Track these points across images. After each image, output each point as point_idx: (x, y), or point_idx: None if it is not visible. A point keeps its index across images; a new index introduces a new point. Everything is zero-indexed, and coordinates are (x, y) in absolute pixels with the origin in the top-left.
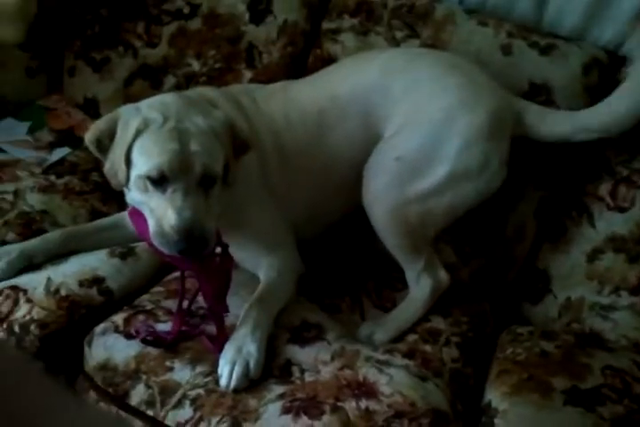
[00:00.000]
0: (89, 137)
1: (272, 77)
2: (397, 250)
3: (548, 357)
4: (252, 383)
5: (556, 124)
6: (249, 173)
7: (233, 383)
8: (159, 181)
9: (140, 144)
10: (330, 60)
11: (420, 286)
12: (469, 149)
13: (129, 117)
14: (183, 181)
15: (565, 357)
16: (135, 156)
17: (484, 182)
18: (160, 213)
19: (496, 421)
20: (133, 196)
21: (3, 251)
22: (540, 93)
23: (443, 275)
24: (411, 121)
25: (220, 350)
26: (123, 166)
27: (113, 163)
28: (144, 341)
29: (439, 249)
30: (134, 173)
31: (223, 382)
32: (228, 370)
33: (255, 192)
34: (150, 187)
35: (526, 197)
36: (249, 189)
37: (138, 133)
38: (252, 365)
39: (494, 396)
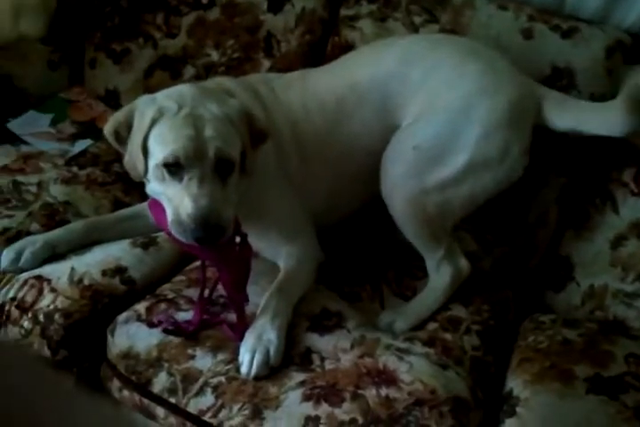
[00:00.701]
0: (107, 129)
1: (290, 66)
2: (416, 239)
3: (571, 345)
4: (272, 371)
5: (577, 114)
6: (266, 162)
7: (254, 371)
8: (175, 169)
9: (156, 133)
10: (348, 48)
11: (440, 275)
12: (489, 138)
13: (145, 108)
14: (198, 168)
15: (588, 345)
16: (151, 145)
17: (504, 171)
18: (177, 201)
19: (518, 409)
20: (152, 186)
21: (27, 241)
22: (561, 77)
23: (463, 263)
24: (429, 109)
25: (241, 338)
26: (140, 156)
27: (131, 154)
28: (166, 330)
29: (460, 238)
30: (152, 162)
31: (244, 369)
32: (248, 358)
33: (273, 181)
34: (167, 176)
35: (549, 183)
36: (267, 178)
37: (153, 122)
38: (272, 352)
39: (516, 384)
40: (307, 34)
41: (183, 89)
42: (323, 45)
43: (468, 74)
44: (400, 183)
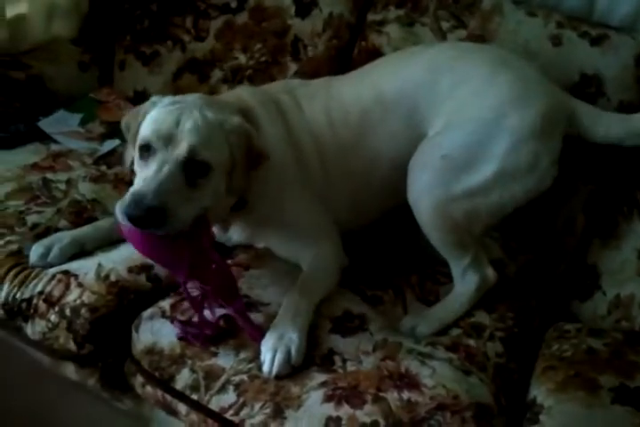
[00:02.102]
0: (122, 122)
1: (317, 70)
2: (443, 246)
3: (596, 354)
4: (294, 370)
5: (609, 126)
6: (284, 170)
7: (275, 370)
8: (146, 153)
9: (144, 121)
10: (375, 52)
11: (465, 282)
12: (519, 148)
13: (148, 102)
14: (164, 154)
15: (613, 354)
16: (140, 132)
17: (533, 182)
18: (136, 179)
19: (541, 417)
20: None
21: (55, 238)
22: (590, 85)
23: (490, 272)
24: (458, 118)
25: (261, 338)
26: (131, 148)
27: (129, 145)
28: (181, 338)
29: (485, 244)
30: (136, 147)
31: (265, 368)
32: (270, 357)
33: (292, 188)
34: (140, 161)
35: (576, 191)
36: (287, 185)
37: (145, 113)
38: (293, 351)
39: (539, 392)
40: (334, 38)
41: (189, 96)
42: (350, 50)
43: (498, 84)
44: (427, 191)
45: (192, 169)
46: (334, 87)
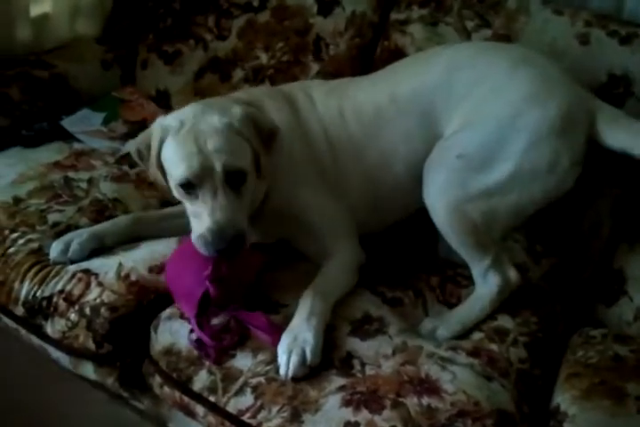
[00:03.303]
0: (131, 148)
1: (339, 70)
2: (461, 248)
3: (622, 361)
4: (311, 371)
5: (618, 134)
6: (298, 165)
7: (291, 372)
8: (189, 187)
9: (165, 153)
10: (398, 52)
11: (486, 284)
12: (537, 147)
13: (155, 128)
14: (209, 183)
15: None
16: (165, 164)
17: (553, 182)
18: (197, 217)
19: (565, 425)
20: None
21: (74, 233)
22: (618, 85)
23: (512, 273)
24: (475, 117)
25: (277, 341)
26: (160, 177)
27: (153, 174)
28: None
29: (509, 248)
30: (171, 182)
31: (282, 371)
32: (285, 359)
33: (309, 184)
34: (185, 194)
35: (603, 194)
36: (305, 183)
37: (161, 142)
38: (308, 352)
39: (563, 399)
40: (356, 37)
41: (188, 107)
42: (372, 49)
43: (517, 80)
44: (443, 192)
45: (234, 181)
46: (351, 87)
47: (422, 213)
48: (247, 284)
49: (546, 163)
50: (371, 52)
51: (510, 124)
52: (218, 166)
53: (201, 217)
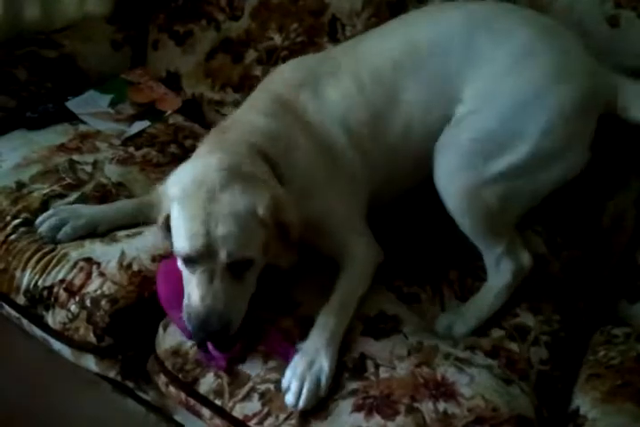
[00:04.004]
0: (158, 189)
1: None
2: (474, 234)
3: None
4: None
5: None
6: (317, 181)
7: (302, 403)
8: (189, 262)
9: (173, 217)
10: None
11: (500, 272)
12: (555, 128)
13: (171, 186)
14: (209, 265)
15: None
16: (171, 228)
17: (570, 162)
18: (190, 290)
19: None
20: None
21: (73, 214)
22: None
23: (526, 258)
24: (491, 93)
25: (288, 356)
26: (161, 235)
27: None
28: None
29: (527, 239)
30: (174, 247)
31: (290, 399)
32: (296, 386)
33: (325, 192)
34: (183, 264)
35: (628, 185)
36: (318, 192)
37: (172, 205)
38: (322, 382)
39: (583, 402)
40: (373, 17)
41: (208, 171)
42: None
43: (538, 56)
44: (456, 175)
45: (237, 268)
46: (361, 46)
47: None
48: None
49: (563, 144)
50: None
51: (528, 105)
52: (222, 254)
53: (192, 293)
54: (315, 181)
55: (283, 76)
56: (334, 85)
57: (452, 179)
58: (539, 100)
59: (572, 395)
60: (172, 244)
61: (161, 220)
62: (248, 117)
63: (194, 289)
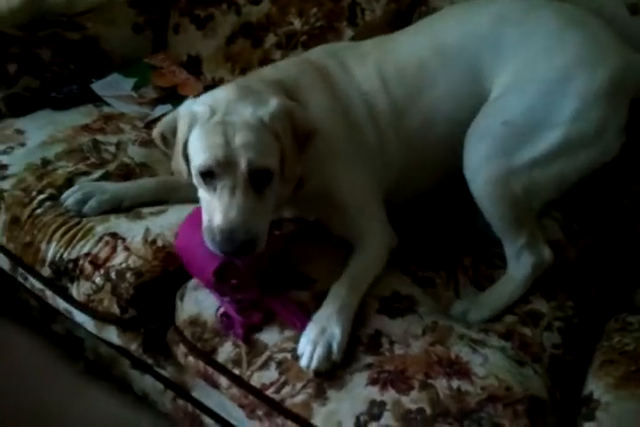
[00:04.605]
0: (155, 133)
1: (374, 36)
2: (499, 223)
3: None
4: (333, 369)
5: None
6: (333, 141)
7: (314, 365)
8: (209, 178)
9: (191, 140)
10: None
11: (520, 264)
12: (586, 114)
13: (184, 113)
14: (231, 178)
15: None
16: (190, 151)
17: (599, 150)
18: (211, 210)
19: (598, 414)
20: (199, 192)
21: (98, 189)
22: None
23: (547, 252)
24: (522, 80)
25: (302, 325)
26: (183, 163)
27: (176, 159)
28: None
29: (544, 225)
30: (192, 169)
31: (304, 362)
32: (309, 351)
33: (343, 161)
34: (204, 184)
35: None
36: (335, 159)
37: (189, 129)
38: (334, 347)
39: (597, 387)
40: (392, 2)
41: (222, 92)
42: (409, 15)
43: (567, 42)
44: (485, 162)
45: (257, 180)
46: (388, 44)
47: (461, 183)
48: (262, 271)
49: (594, 130)
50: (407, 17)
51: (558, 90)
52: (242, 162)
53: (214, 211)
54: (332, 148)
55: (309, 52)
56: (360, 69)
57: (482, 166)
58: (568, 85)
59: (586, 380)
60: (189, 170)
61: (179, 146)
62: (271, 69)
63: (216, 206)
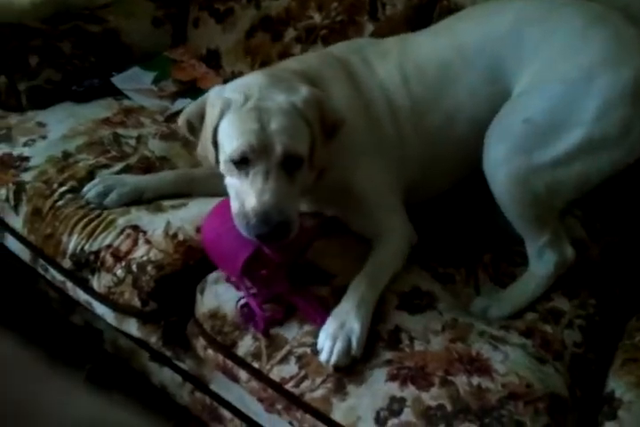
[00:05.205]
0: (181, 120)
1: (395, 30)
2: (520, 221)
3: None
4: (352, 364)
5: None
6: (354, 135)
7: (334, 359)
8: (242, 164)
9: (223, 126)
10: (457, 12)
11: (542, 262)
12: (609, 114)
13: (214, 99)
14: (265, 163)
15: None
16: (220, 138)
17: (622, 152)
18: (243, 195)
19: (620, 413)
20: (226, 179)
21: (118, 182)
22: None
23: (569, 251)
24: (544, 78)
25: (322, 321)
26: (211, 149)
27: (203, 145)
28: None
29: (566, 223)
30: (221, 156)
31: (324, 356)
32: (329, 345)
33: (363, 155)
34: (235, 170)
35: None
36: (356, 152)
37: (221, 115)
38: (354, 342)
39: (618, 385)
40: None
41: (252, 79)
42: (430, 10)
43: (591, 41)
44: (506, 160)
45: (290, 166)
46: (410, 43)
47: (481, 180)
48: (291, 263)
49: (617, 130)
50: (429, 12)
51: (582, 88)
52: (278, 148)
53: (247, 196)
54: (352, 140)
55: (331, 47)
56: (382, 66)
57: (502, 164)
58: (592, 85)
59: (607, 378)
60: (218, 159)
61: (208, 133)
62: (293, 61)
63: (248, 191)
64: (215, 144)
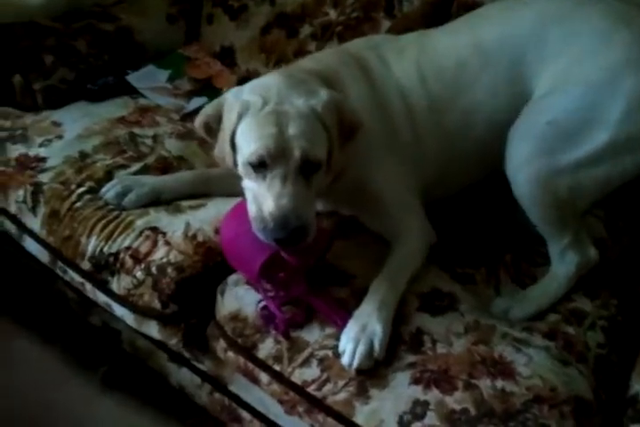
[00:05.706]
0: (198, 121)
1: (411, 27)
2: (542, 223)
3: None
4: (375, 366)
5: None
6: (370, 134)
7: (356, 362)
8: (260, 167)
9: (242, 129)
10: (475, 8)
11: (564, 263)
12: (634, 116)
13: (232, 101)
14: (282, 167)
15: None
16: (238, 141)
17: None
18: (260, 199)
19: None
20: (243, 182)
21: (136, 183)
22: None
23: (592, 252)
24: (567, 79)
25: (343, 323)
26: (229, 151)
27: (221, 147)
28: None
29: (587, 223)
30: (239, 159)
31: (346, 360)
32: (351, 348)
33: (379, 155)
34: (252, 173)
35: None
36: (376, 154)
37: (239, 118)
38: (376, 344)
39: None
40: None
41: (270, 80)
42: (448, 6)
43: (615, 42)
44: (529, 162)
45: (307, 170)
46: (427, 40)
47: (502, 179)
48: (310, 266)
49: None
50: (446, 8)
51: (606, 90)
52: (296, 153)
53: (264, 200)
54: (369, 140)
55: (348, 44)
56: (399, 64)
57: (524, 165)
58: (616, 86)
59: (630, 381)
60: (236, 161)
61: (226, 135)
62: (309, 61)
63: (266, 195)
64: (233, 146)
